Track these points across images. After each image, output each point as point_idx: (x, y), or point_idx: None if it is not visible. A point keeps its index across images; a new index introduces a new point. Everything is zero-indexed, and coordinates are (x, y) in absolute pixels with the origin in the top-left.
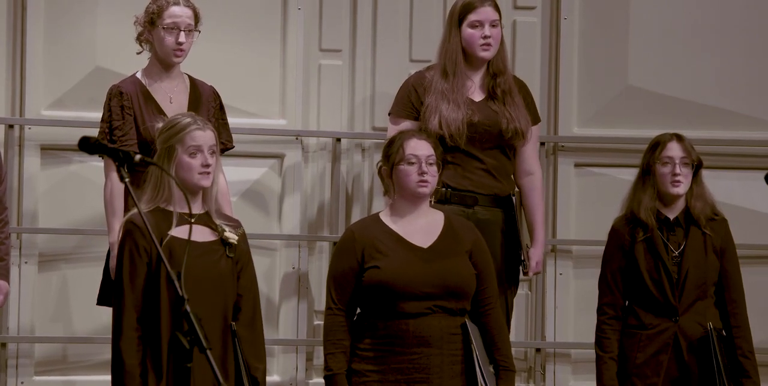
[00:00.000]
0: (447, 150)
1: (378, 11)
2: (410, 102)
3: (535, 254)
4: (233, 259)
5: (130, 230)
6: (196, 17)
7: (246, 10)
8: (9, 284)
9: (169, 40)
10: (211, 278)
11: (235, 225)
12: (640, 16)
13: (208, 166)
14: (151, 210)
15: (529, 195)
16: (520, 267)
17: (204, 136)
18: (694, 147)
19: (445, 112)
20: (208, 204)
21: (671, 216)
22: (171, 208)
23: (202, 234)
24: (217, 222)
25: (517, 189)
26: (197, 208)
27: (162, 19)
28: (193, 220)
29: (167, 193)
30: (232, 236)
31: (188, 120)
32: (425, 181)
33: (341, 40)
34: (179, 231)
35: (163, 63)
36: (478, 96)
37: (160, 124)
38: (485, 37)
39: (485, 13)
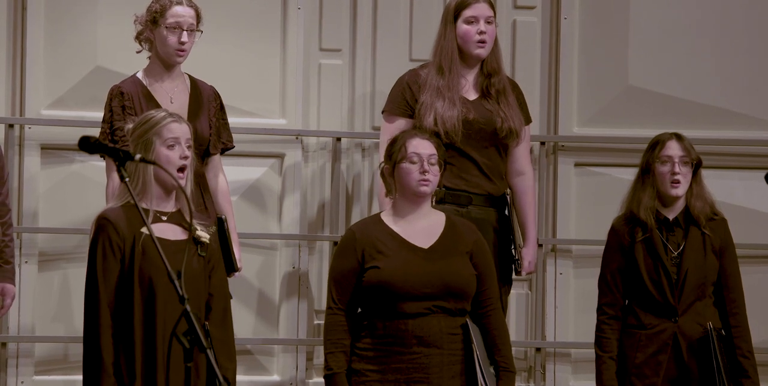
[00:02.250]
0: None
1: (378, 11)
2: (405, 100)
3: (528, 254)
4: (205, 258)
5: (102, 225)
6: (198, 17)
7: (246, 10)
8: (15, 285)
9: (172, 39)
10: (184, 276)
11: (207, 223)
12: (640, 16)
13: (186, 157)
14: (122, 206)
15: (521, 195)
16: (513, 267)
17: (181, 129)
18: (693, 146)
19: (440, 109)
20: (181, 202)
21: (670, 217)
22: (145, 205)
23: (173, 232)
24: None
25: (509, 189)
26: (170, 206)
27: (165, 19)
28: (165, 219)
29: (140, 189)
30: (203, 235)
31: (163, 113)
32: (426, 180)
33: (341, 40)
34: (153, 230)
35: (165, 63)
36: (472, 95)
37: (131, 124)
38: (480, 33)
39: (480, 9)
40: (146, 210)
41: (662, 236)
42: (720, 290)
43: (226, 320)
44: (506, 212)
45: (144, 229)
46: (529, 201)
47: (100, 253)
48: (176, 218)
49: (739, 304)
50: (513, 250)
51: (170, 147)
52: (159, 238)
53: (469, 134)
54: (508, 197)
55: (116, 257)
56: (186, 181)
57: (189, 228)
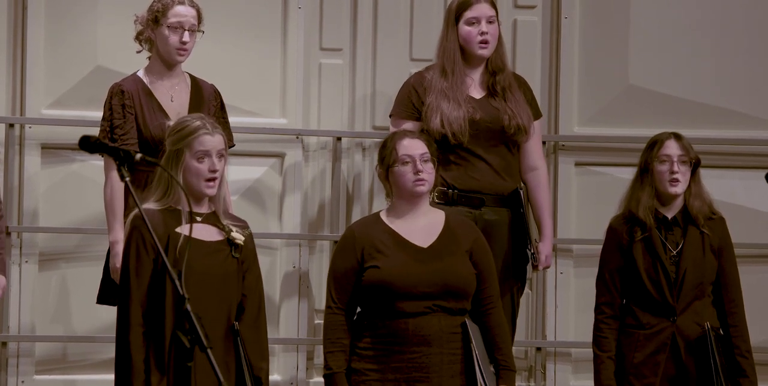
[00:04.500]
0: (450, 149)
1: (378, 10)
2: (411, 103)
3: (545, 248)
4: (239, 260)
5: (137, 226)
6: (200, 17)
7: (246, 10)
8: (7, 278)
9: (174, 38)
10: (216, 277)
11: (243, 225)
12: (640, 16)
13: (215, 171)
14: (161, 209)
15: (534, 190)
16: (530, 264)
17: (213, 141)
18: (692, 146)
19: (446, 110)
20: (216, 204)
21: (669, 216)
22: (180, 207)
23: (209, 233)
24: (225, 222)
25: (522, 184)
26: (204, 208)
27: (167, 18)
28: (200, 220)
29: (173, 192)
30: (238, 237)
31: (197, 123)
32: (422, 179)
33: (342, 39)
34: (187, 230)
35: (165, 62)
36: (478, 93)
37: (170, 123)
38: (482, 34)
39: (481, 9)
40: (179, 211)
41: (661, 235)
42: (718, 289)
43: (260, 321)
44: (520, 209)
45: (179, 229)
46: (544, 195)
47: (134, 253)
48: (211, 219)
49: (737, 304)
50: (529, 245)
51: (200, 159)
52: (194, 239)
53: (477, 134)
54: (521, 192)
55: (150, 256)
56: (217, 191)
57: (222, 229)
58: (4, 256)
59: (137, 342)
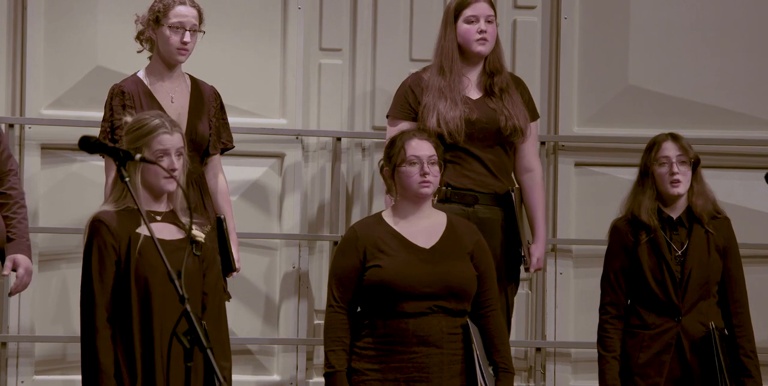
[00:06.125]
0: (446, 148)
1: (378, 10)
2: (408, 103)
3: (537, 251)
4: (200, 257)
5: (96, 228)
6: (201, 18)
7: (246, 10)
8: (31, 261)
9: (175, 39)
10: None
11: (202, 223)
12: (640, 16)
13: (174, 170)
14: (118, 211)
15: (529, 192)
16: (521, 265)
17: (171, 140)
18: (690, 145)
19: (443, 109)
20: (174, 202)
21: (674, 216)
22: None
23: (169, 232)
24: (184, 220)
25: (516, 185)
26: (162, 206)
27: (168, 18)
28: (159, 219)
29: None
30: (199, 234)
31: (156, 122)
32: (427, 182)
33: (341, 40)
34: (146, 230)
35: (166, 62)
36: (475, 94)
37: (129, 118)
38: (481, 32)
39: (480, 8)
40: (137, 211)
41: (666, 235)
42: (723, 289)
43: (221, 319)
44: (512, 210)
45: (139, 230)
46: (538, 197)
47: (96, 255)
48: (170, 217)
49: (742, 304)
50: (520, 248)
51: (159, 158)
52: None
53: (472, 133)
54: (512, 194)
55: (111, 258)
56: (175, 188)
57: (189, 230)
58: (28, 240)
59: (104, 345)
